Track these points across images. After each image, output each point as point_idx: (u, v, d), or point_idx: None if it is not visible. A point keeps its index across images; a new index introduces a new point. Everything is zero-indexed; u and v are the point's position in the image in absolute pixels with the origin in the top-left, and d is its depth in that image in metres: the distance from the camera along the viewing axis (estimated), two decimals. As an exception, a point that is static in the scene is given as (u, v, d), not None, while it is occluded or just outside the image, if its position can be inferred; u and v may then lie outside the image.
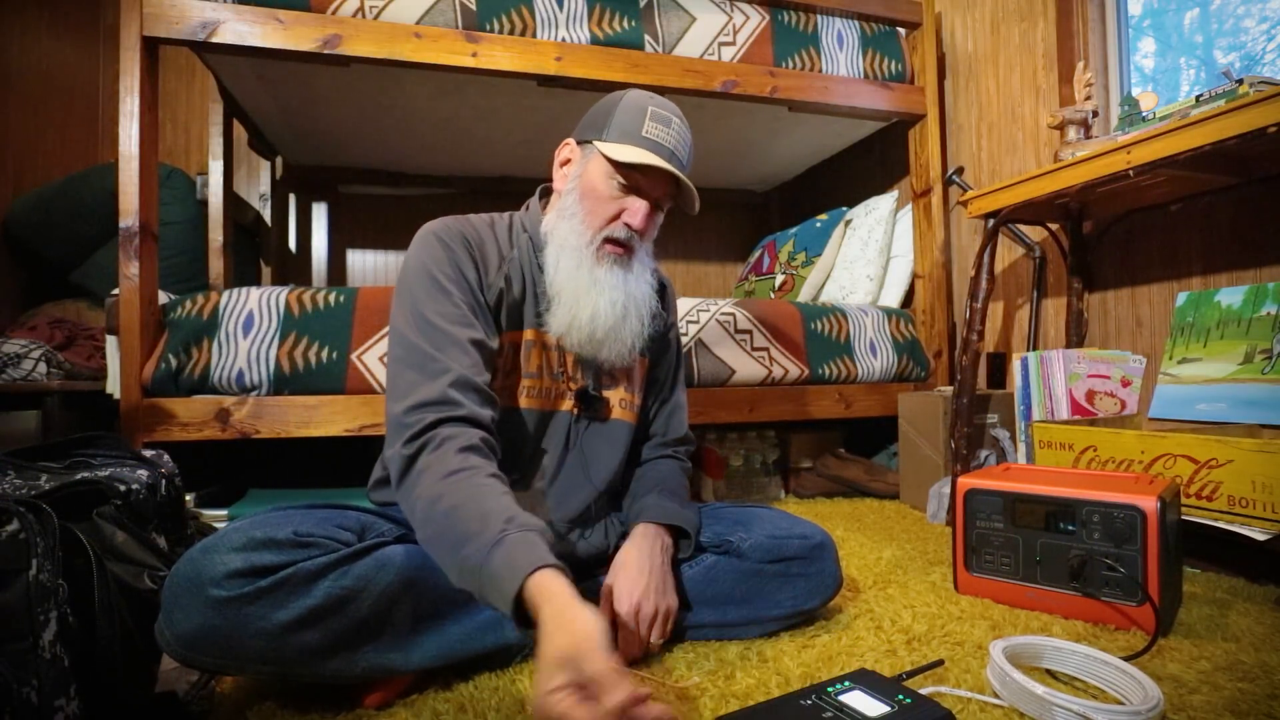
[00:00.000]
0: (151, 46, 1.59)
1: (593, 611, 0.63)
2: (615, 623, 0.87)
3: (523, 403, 0.98)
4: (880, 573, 1.26)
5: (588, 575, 0.99)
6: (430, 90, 2.10)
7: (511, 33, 1.79)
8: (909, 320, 2.20)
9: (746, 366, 1.93)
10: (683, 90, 1.92)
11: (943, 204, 2.20)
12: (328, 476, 1.93)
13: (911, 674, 0.79)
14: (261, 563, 0.71)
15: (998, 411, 1.79)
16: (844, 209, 2.53)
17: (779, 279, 2.61)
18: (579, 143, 1.01)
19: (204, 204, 2.31)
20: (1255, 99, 1.11)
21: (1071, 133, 1.63)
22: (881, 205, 2.37)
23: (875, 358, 2.09)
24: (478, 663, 0.84)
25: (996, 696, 0.77)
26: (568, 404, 1.01)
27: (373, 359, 1.63)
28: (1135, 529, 0.96)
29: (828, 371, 2.02)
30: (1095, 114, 1.64)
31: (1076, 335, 1.81)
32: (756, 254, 2.90)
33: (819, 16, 2.09)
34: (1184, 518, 1.12)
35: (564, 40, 1.83)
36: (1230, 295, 1.42)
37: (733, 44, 1.98)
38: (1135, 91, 1.69)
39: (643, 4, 1.91)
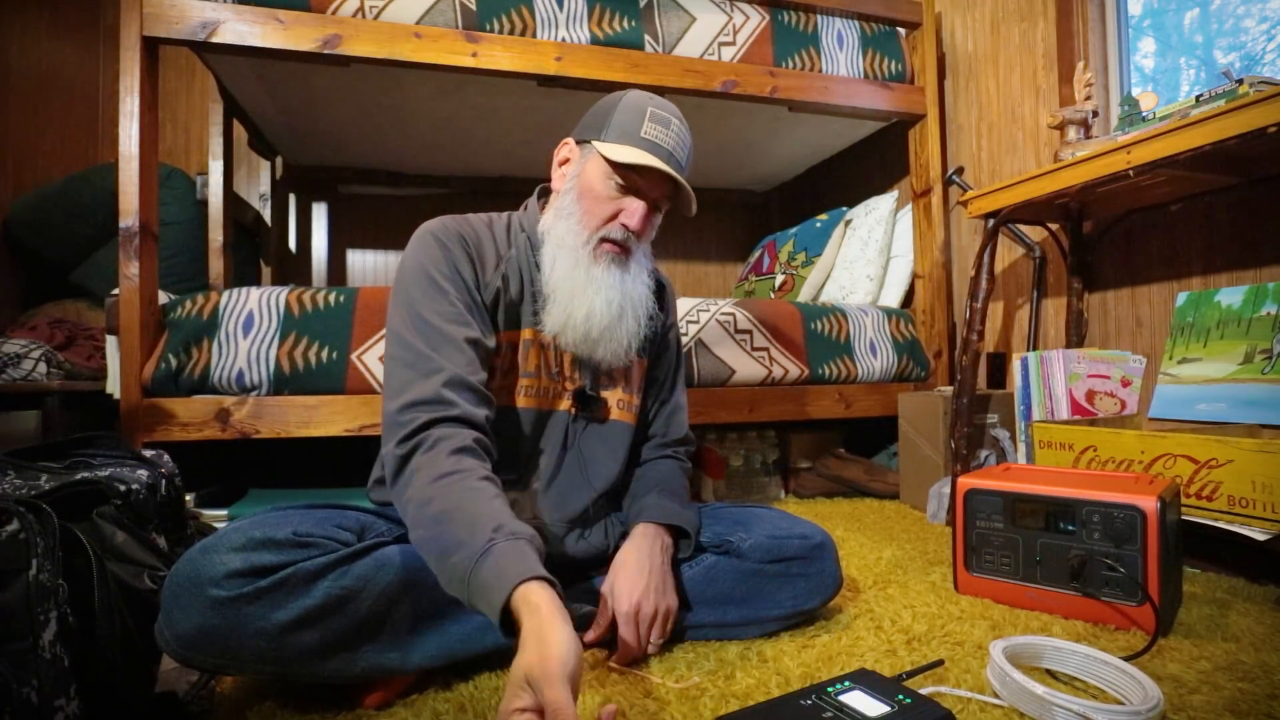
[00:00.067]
0: (151, 46, 1.59)
1: (570, 632, 0.62)
2: (615, 622, 0.87)
3: (520, 402, 0.98)
4: (880, 573, 1.26)
5: (587, 575, 0.99)
6: (430, 90, 2.10)
7: (511, 33, 1.79)
8: (909, 320, 2.20)
9: (746, 366, 1.93)
10: (683, 90, 1.92)
11: (943, 204, 2.20)
12: (328, 476, 1.93)
13: (911, 674, 0.79)
14: (261, 563, 0.71)
15: (998, 411, 1.79)
16: (844, 209, 2.53)
17: (779, 279, 2.61)
18: (578, 142, 1.01)
19: (204, 204, 2.31)
20: (1255, 99, 1.11)
21: (1071, 133, 1.63)
22: (881, 205, 2.37)
23: (875, 358, 2.09)
24: (478, 663, 0.84)
25: (996, 696, 0.77)
26: (565, 404, 1.01)
27: (373, 359, 1.63)
28: (1135, 529, 0.96)
29: (828, 371, 2.02)
30: (1095, 114, 1.64)
31: (1076, 335, 1.81)
32: (756, 254, 2.90)
33: (819, 16, 2.09)
34: (1184, 518, 1.12)
35: (564, 40, 1.83)
36: (1230, 295, 1.42)
37: (733, 44, 1.98)
38: (1135, 91, 1.69)
39: (643, 4, 1.91)
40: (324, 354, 1.61)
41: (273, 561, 0.71)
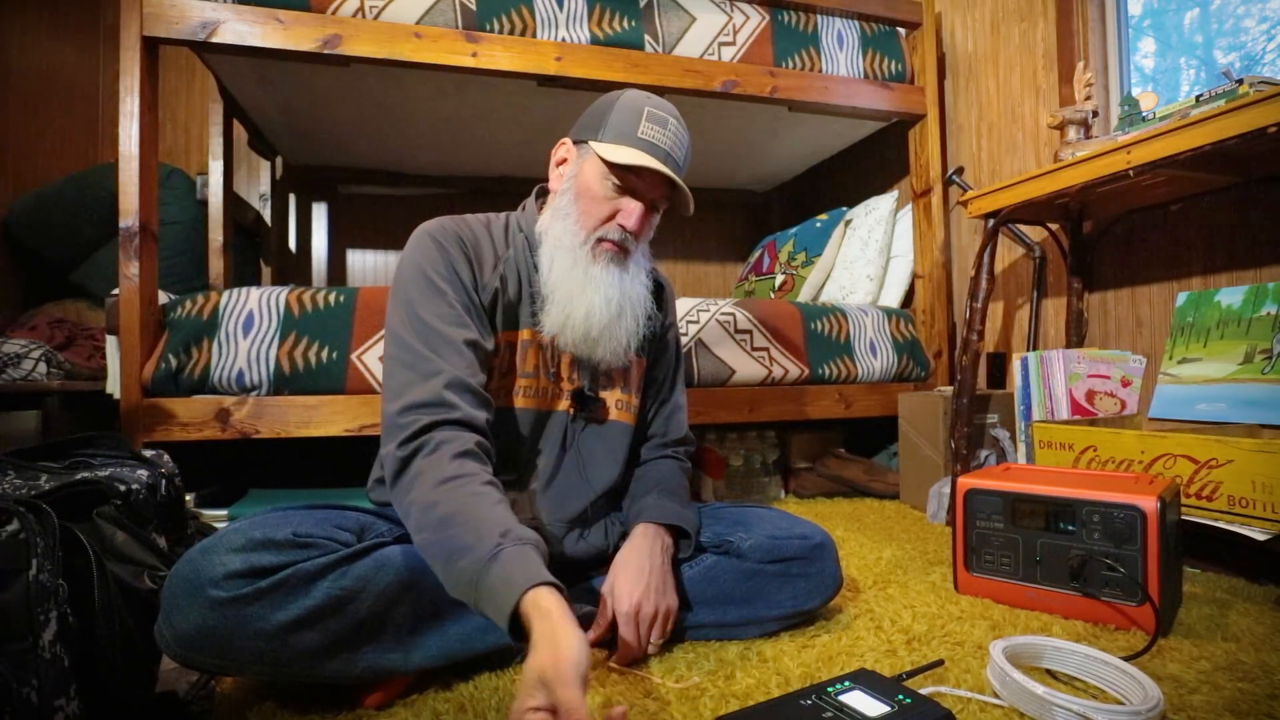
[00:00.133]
0: (151, 46, 1.59)
1: (581, 635, 0.63)
2: (615, 622, 0.87)
3: (519, 403, 0.98)
4: (880, 573, 1.26)
5: (586, 575, 0.99)
6: (430, 90, 2.10)
7: (511, 33, 1.79)
8: (909, 320, 2.20)
9: (746, 366, 1.93)
10: (683, 90, 1.92)
11: (943, 204, 2.20)
12: (328, 476, 1.93)
13: (911, 674, 0.79)
14: (261, 563, 0.71)
15: (998, 411, 1.79)
16: (844, 209, 2.53)
17: (779, 279, 2.61)
18: (575, 142, 1.01)
19: (204, 204, 2.31)
20: (1255, 99, 1.11)
21: (1071, 133, 1.63)
22: (881, 205, 2.37)
23: (875, 358, 2.09)
24: (478, 663, 0.84)
25: (996, 696, 0.77)
26: (564, 404, 1.01)
27: (373, 359, 1.63)
28: (1135, 529, 0.96)
29: (828, 371, 2.02)
30: (1095, 114, 1.64)
31: (1076, 335, 1.81)
32: (756, 254, 2.90)
33: (819, 16, 2.09)
34: (1184, 518, 1.12)
35: (564, 40, 1.83)
36: (1230, 295, 1.42)
37: (733, 44, 1.98)
38: (1135, 91, 1.69)
39: (643, 4, 1.91)
40: (324, 354, 1.61)
41: (272, 562, 0.71)
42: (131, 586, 0.74)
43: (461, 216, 1.01)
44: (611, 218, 0.96)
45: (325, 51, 1.66)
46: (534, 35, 1.80)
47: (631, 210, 0.96)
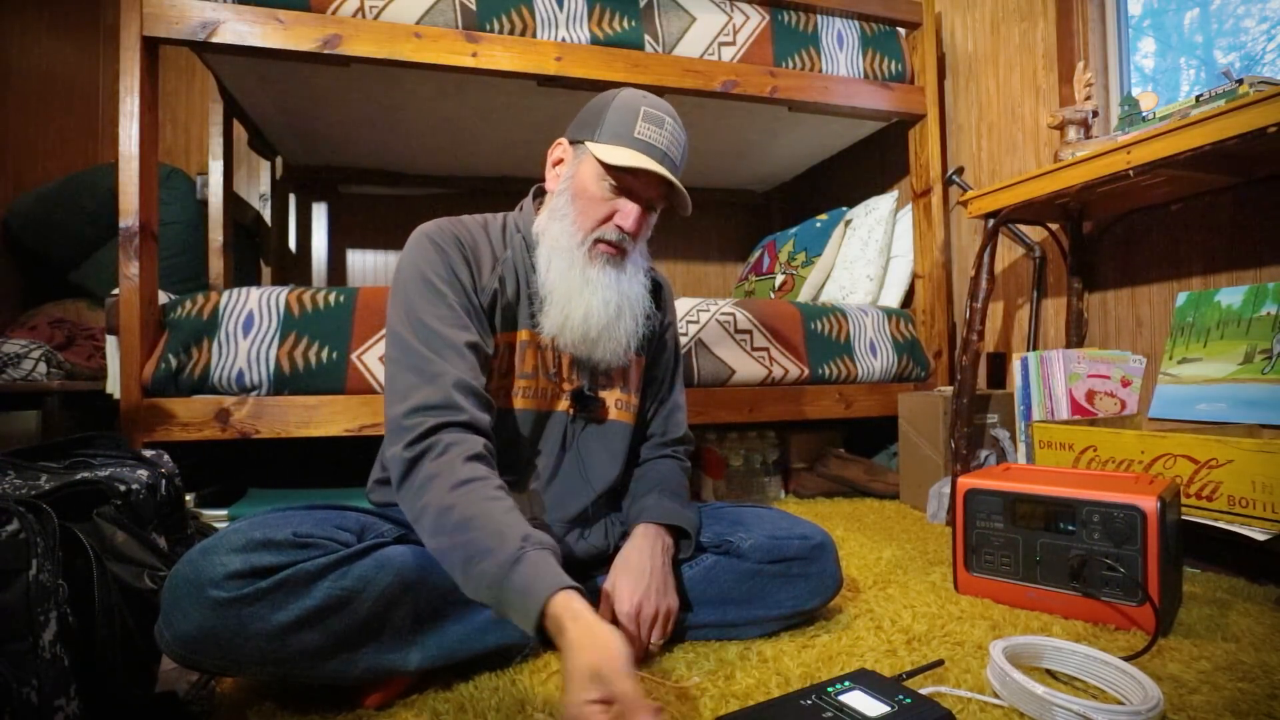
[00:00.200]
0: (151, 46, 1.59)
1: (619, 634, 0.66)
2: (616, 622, 0.87)
3: (518, 404, 0.98)
4: (880, 573, 1.26)
5: (587, 576, 0.99)
6: (430, 90, 2.10)
7: (511, 33, 1.79)
8: (909, 320, 2.20)
9: (746, 366, 1.93)
10: (683, 90, 1.92)
11: (943, 204, 2.20)
12: (328, 476, 1.93)
13: (911, 674, 0.79)
14: (261, 564, 0.71)
15: (998, 411, 1.79)
16: (844, 209, 2.53)
17: (779, 279, 2.61)
18: (571, 143, 1.01)
19: (204, 204, 2.32)
20: (1255, 99, 1.11)
21: (1071, 133, 1.63)
22: (881, 205, 2.37)
23: (875, 358, 2.09)
24: (478, 663, 0.84)
25: (996, 696, 0.77)
26: (563, 404, 1.01)
27: (373, 359, 1.63)
28: (1135, 529, 0.96)
29: (828, 371, 2.02)
30: (1095, 114, 1.64)
31: (1076, 335, 1.81)
32: (756, 254, 2.90)
33: (819, 16, 2.09)
34: (1184, 518, 1.12)
35: (564, 40, 1.83)
36: (1230, 295, 1.42)
37: (733, 44, 1.98)
38: (1135, 91, 1.69)
39: (643, 4, 1.91)
40: (324, 354, 1.61)
41: (273, 562, 0.71)
42: (131, 586, 0.74)
43: (459, 218, 1.01)
44: (609, 219, 0.96)
45: (325, 51, 1.66)
46: (534, 35, 1.80)
47: (629, 212, 0.96)
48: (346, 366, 1.62)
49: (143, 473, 0.90)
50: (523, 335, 0.99)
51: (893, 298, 2.33)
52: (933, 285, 2.19)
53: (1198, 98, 1.34)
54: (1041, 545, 1.05)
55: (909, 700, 0.67)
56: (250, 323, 1.60)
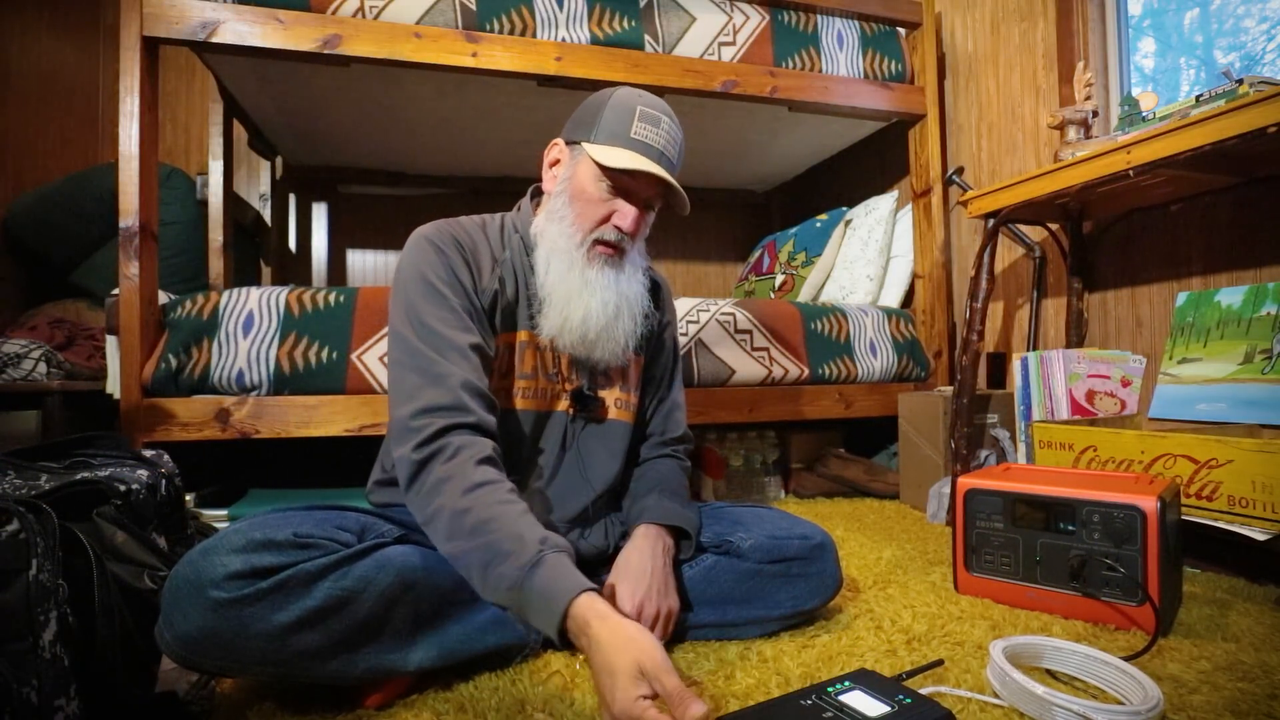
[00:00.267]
0: (151, 46, 1.59)
1: (647, 630, 0.68)
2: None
3: (518, 404, 0.98)
4: (880, 573, 1.26)
5: (590, 575, 0.99)
6: (430, 90, 2.10)
7: (511, 33, 1.79)
8: (909, 320, 2.20)
9: (746, 366, 1.93)
10: (683, 90, 1.92)
11: (943, 204, 2.20)
12: (328, 476, 1.93)
13: (911, 674, 0.79)
14: (261, 564, 0.71)
15: (998, 411, 1.79)
16: (844, 209, 2.53)
17: (779, 279, 2.61)
18: (567, 143, 1.00)
19: (204, 204, 2.31)
20: (1255, 99, 1.11)
21: (1071, 133, 1.63)
22: (881, 205, 2.37)
23: (875, 358, 2.09)
24: (478, 663, 0.84)
25: (996, 696, 0.77)
26: (563, 404, 1.01)
27: (373, 359, 1.63)
28: (1135, 529, 0.96)
29: (828, 371, 2.02)
30: (1095, 114, 1.64)
31: (1076, 335, 1.81)
32: (756, 254, 2.90)
33: (819, 16, 2.09)
34: (1184, 518, 1.12)
35: (564, 40, 1.83)
36: (1230, 295, 1.42)
37: (733, 44, 1.98)
38: (1135, 91, 1.69)
39: (643, 4, 1.91)
40: (324, 354, 1.61)
41: (273, 563, 0.71)
42: (131, 586, 0.74)
43: (456, 219, 1.01)
44: (607, 219, 0.96)
45: (325, 51, 1.66)
46: (534, 35, 1.80)
47: (627, 213, 0.96)
48: (346, 366, 1.62)
49: (143, 473, 0.90)
50: (522, 336, 0.99)
51: (893, 298, 2.33)
52: (933, 285, 2.19)
53: (1198, 98, 1.34)
54: (1041, 545, 1.05)
55: (909, 700, 0.67)
56: (250, 323, 1.60)
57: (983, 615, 1.04)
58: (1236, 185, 1.46)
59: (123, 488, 0.84)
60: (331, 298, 1.65)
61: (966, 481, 1.14)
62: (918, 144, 2.22)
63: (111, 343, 1.57)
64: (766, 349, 1.96)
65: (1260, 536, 1.09)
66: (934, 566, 1.30)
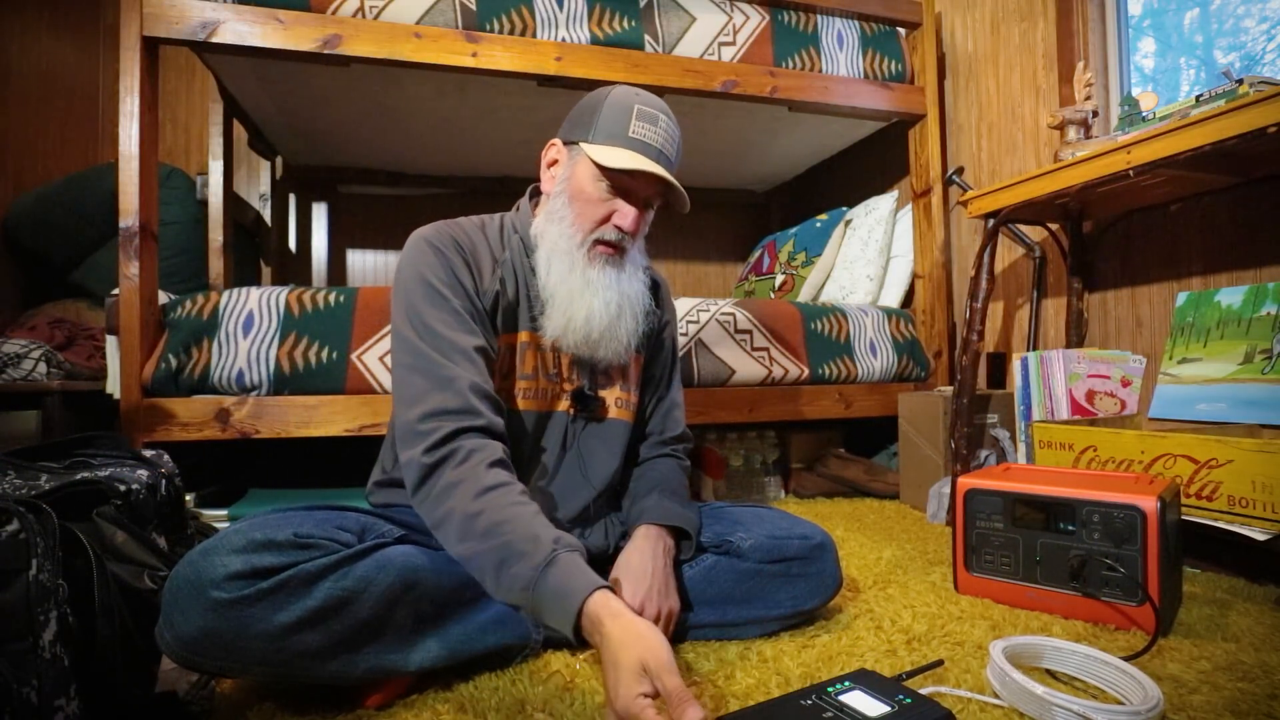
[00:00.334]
0: (151, 46, 1.59)
1: (657, 629, 0.68)
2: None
3: (520, 404, 0.98)
4: (880, 573, 1.26)
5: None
6: (430, 90, 2.10)
7: (511, 33, 1.79)
8: (909, 320, 2.20)
9: (746, 366, 1.93)
10: (683, 90, 1.92)
11: (943, 204, 2.20)
12: (328, 476, 1.93)
13: (911, 674, 0.79)
14: (262, 564, 0.70)
15: (998, 411, 1.79)
16: (844, 209, 2.53)
17: (779, 279, 2.61)
18: (565, 143, 1.00)
19: (204, 204, 2.31)
20: (1255, 99, 1.11)
21: (1071, 133, 1.63)
22: (881, 205, 2.37)
23: (875, 358, 2.09)
24: (478, 663, 0.84)
25: (996, 696, 0.77)
26: (564, 404, 1.01)
27: (373, 359, 1.63)
28: (1135, 529, 0.96)
29: (828, 371, 2.02)
30: (1095, 114, 1.64)
31: (1076, 335, 1.81)
32: (756, 254, 2.90)
33: (819, 16, 2.09)
34: (1184, 518, 1.12)
35: (564, 40, 1.83)
36: (1230, 295, 1.42)
37: (733, 44, 1.98)
38: (1135, 91, 1.69)
39: (643, 4, 1.91)
40: (324, 354, 1.61)
41: (273, 563, 0.71)
42: (131, 586, 0.74)
43: (455, 220, 1.01)
44: (607, 219, 0.96)
45: (325, 51, 1.66)
46: (534, 35, 1.80)
47: (627, 212, 0.96)
48: (346, 366, 1.62)
49: (143, 473, 0.90)
50: (523, 336, 0.99)
51: (893, 298, 2.33)
52: (933, 285, 2.19)
53: (1198, 98, 1.34)
54: (1041, 545, 1.05)
55: (909, 700, 0.67)
56: (250, 323, 1.60)
57: (983, 615, 1.04)
58: (1236, 185, 1.46)
59: (123, 488, 0.84)
60: (331, 298, 1.66)
61: (966, 481, 1.14)
62: (918, 144, 2.22)
63: (111, 343, 1.57)
64: (766, 349, 1.96)
65: (1260, 536, 1.09)
66: (934, 566, 1.30)
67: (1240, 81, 1.26)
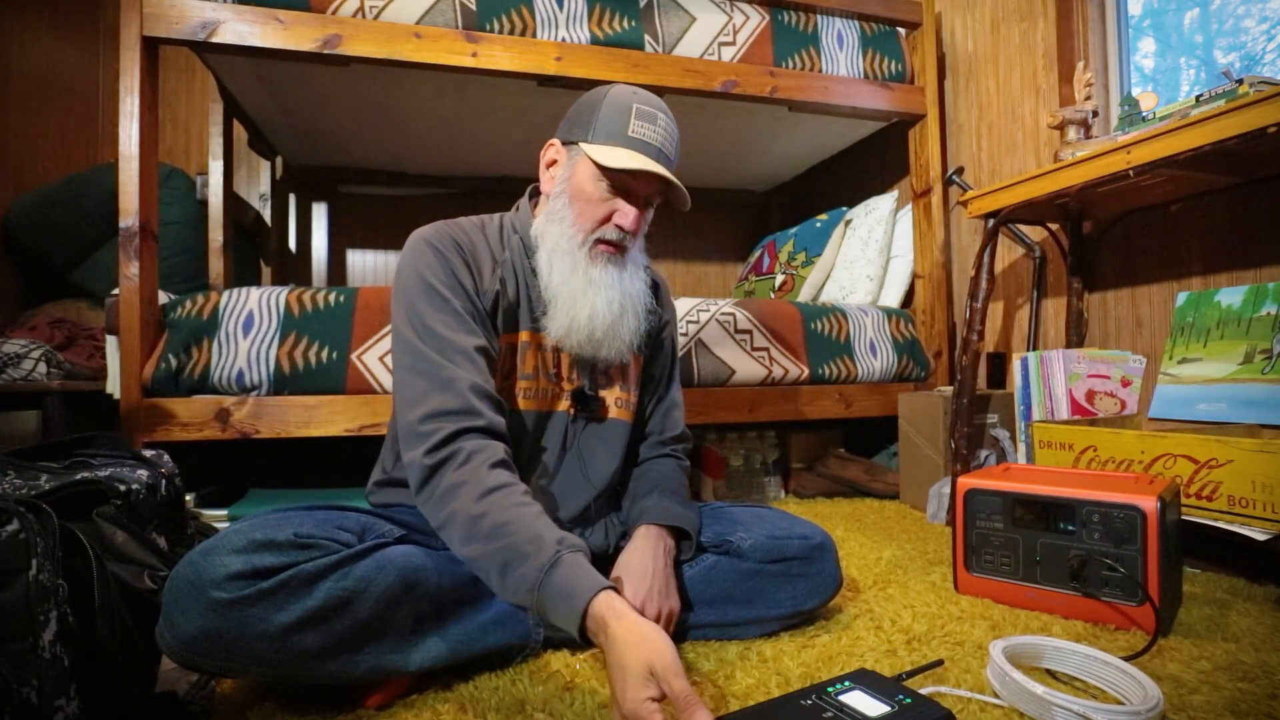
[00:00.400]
0: (151, 46, 1.59)
1: (661, 630, 0.68)
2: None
3: (520, 404, 0.98)
4: (880, 573, 1.26)
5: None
6: (430, 90, 2.10)
7: (511, 33, 1.79)
8: (909, 320, 2.20)
9: (746, 367, 1.93)
10: (683, 90, 1.92)
11: (943, 204, 2.20)
12: (328, 476, 1.93)
13: (911, 674, 0.79)
14: (262, 564, 0.70)
15: (998, 411, 1.79)
16: (844, 209, 2.53)
17: (779, 279, 2.61)
18: (564, 143, 1.00)
19: (204, 204, 2.31)
20: (1255, 99, 1.11)
21: (1071, 133, 1.63)
22: (881, 205, 2.37)
23: (875, 358, 2.09)
24: (478, 663, 0.85)
25: (996, 696, 0.77)
26: (564, 404, 1.01)
27: (373, 359, 1.63)
28: (1135, 529, 0.96)
29: (828, 371, 2.02)
30: (1095, 114, 1.64)
31: (1076, 335, 1.81)
32: (756, 254, 2.90)
33: (819, 16, 2.09)
34: (1184, 518, 1.12)
35: (564, 40, 1.83)
36: (1230, 295, 1.42)
37: (733, 44, 1.98)
38: (1135, 91, 1.69)
39: (643, 4, 1.91)
40: (324, 354, 1.61)
41: (274, 563, 0.71)
42: (131, 586, 0.74)
43: (455, 221, 1.01)
44: (607, 219, 0.96)
45: (325, 51, 1.66)
46: (534, 35, 1.80)
47: (628, 212, 0.96)
48: (346, 366, 1.62)
49: (143, 473, 0.90)
50: (524, 336, 0.99)
51: (893, 298, 2.33)
52: (933, 285, 2.19)
53: (1198, 98, 1.34)
54: (1041, 545, 1.05)
55: (909, 700, 0.67)
56: (250, 323, 1.60)
57: (983, 615, 1.04)
58: (1236, 185, 1.46)
59: (123, 488, 0.84)
60: (331, 298, 1.66)
61: (966, 481, 1.14)
62: (918, 144, 2.22)
63: (111, 343, 1.57)
64: (766, 349, 1.96)
65: (1260, 536, 1.09)
66: (934, 566, 1.30)
67: (1240, 81, 1.26)
